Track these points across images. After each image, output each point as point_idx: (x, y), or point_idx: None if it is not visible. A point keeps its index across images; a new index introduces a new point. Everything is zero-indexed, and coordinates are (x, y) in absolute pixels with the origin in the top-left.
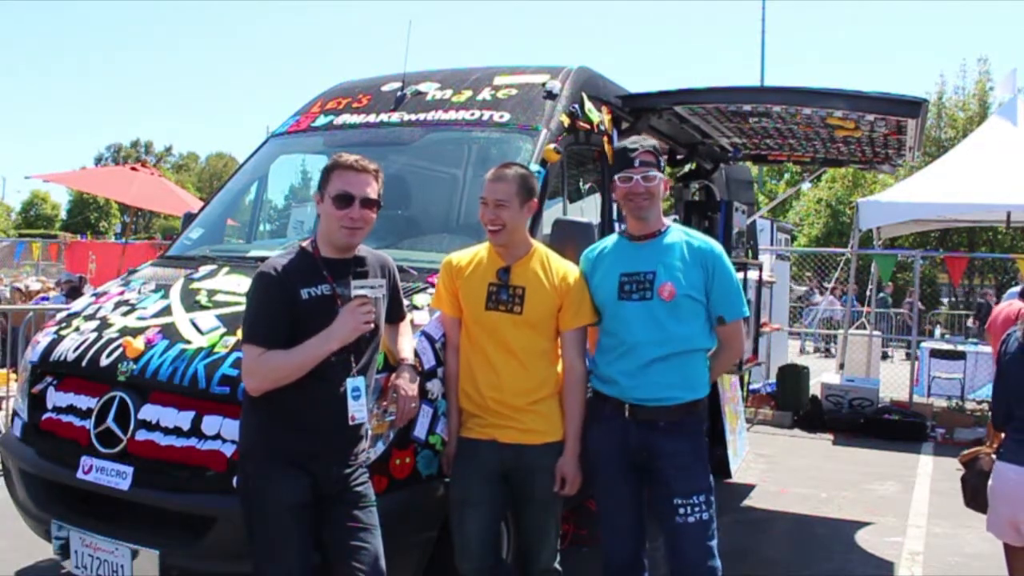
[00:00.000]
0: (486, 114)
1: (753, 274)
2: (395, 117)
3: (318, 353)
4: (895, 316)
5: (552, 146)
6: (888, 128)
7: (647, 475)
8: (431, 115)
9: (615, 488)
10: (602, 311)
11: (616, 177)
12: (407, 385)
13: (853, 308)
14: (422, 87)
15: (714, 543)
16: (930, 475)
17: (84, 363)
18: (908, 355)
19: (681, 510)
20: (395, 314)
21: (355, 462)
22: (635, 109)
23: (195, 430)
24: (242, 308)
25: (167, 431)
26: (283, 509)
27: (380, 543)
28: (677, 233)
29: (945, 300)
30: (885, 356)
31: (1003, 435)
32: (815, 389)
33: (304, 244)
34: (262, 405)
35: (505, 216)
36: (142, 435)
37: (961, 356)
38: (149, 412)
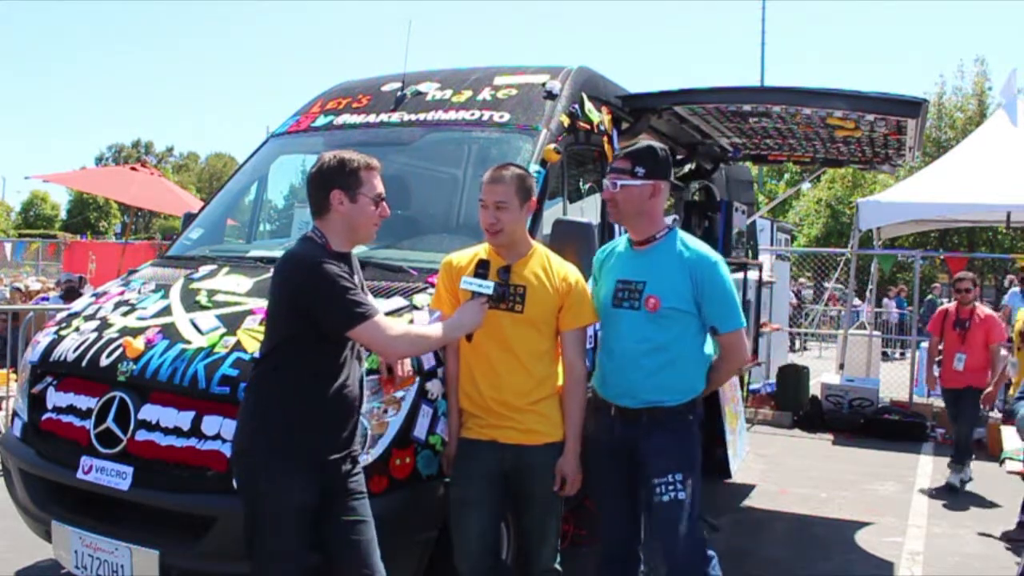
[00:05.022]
0: (486, 114)
1: (753, 274)
2: (395, 117)
3: (451, 337)
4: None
5: (552, 146)
6: (888, 128)
7: (633, 465)
8: (431, 115)
9: (605, 475)
10: (600, 315)
11: None
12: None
13: (903, 311)
14: (422, 87)
15: (691, 524)
16: (930, 475)
17: (84, 363)
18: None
19: (657, 489)
20: None
21: (353, 456)
22: (635, 109)
23: (195, 430)
24: (242, 308)
25: (167, 431)
26: (291, 510)
27: (375, 534)
28: (674, 240)
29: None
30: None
31: None
32: (815, 389)
33: (313, 237)
34: (287, 403)
35: (505, 218)
36: (142, 435)
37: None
38: (149, 412)
